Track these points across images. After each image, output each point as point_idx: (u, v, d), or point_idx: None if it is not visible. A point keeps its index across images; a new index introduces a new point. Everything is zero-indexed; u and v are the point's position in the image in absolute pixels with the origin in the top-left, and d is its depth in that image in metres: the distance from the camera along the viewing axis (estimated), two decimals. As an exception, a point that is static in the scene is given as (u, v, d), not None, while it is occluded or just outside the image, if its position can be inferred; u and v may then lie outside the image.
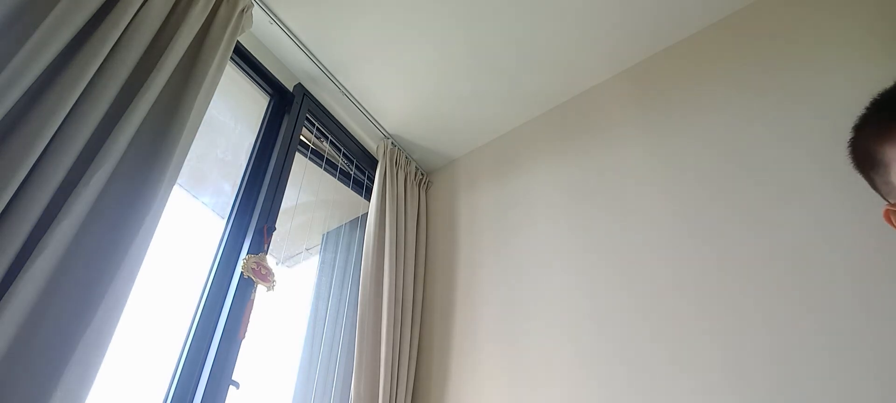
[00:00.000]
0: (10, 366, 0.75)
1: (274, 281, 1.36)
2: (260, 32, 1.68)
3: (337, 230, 2.15)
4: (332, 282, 1.94)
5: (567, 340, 1.40)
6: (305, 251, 2.03)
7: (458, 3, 1.59)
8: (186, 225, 1.54)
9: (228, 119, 1.76)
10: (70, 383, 0.79)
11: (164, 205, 1.03)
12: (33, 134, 0.84)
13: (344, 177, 2.04)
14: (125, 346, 1.08)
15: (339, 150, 1.99)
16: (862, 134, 0.71)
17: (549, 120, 1.94)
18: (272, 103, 1.71)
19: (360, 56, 1.77)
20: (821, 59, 1.32)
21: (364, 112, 1.96)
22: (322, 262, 2.02)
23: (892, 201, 0.66)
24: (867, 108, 0.70)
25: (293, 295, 1.83)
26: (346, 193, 2.07)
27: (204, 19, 1.29)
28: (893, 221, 0.68)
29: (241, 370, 1.24)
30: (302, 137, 1.83)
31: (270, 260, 1.39)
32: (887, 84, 0.70)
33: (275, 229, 1.46)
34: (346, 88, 1.88)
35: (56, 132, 0.89)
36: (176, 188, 1.09)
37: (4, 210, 0.80)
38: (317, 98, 1.87)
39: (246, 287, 1.30)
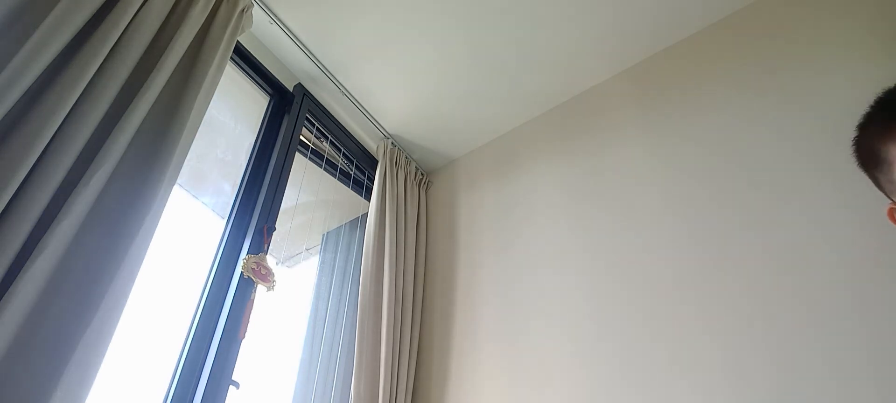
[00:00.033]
0: (10, 366, 0.75)
1: (274, 281, 1.36)
2: (260, 32, 1.68)
3: (337, 230, 2.15)
4: (332, 282, 1.94)
5: (567, 340, 1.40)
6: (305, 251, 2.03)
7: (458, 4, 1.59)
8: (186, 225, 1.54)
9: (228, 119, 1.76)
10: (70, 383, 0.79)
11: (164, 205, 1.03)
12: (33, 134, 0.84)
13: (344, 177, 2.04)
14: (125, 346, 1.08)
15: (339, 150, 1.99)
16: (866, 132, 0.71)
17: (549, 120, 1.94)
18: (272, 103, 1.71)
19: (360, 56, 1.77)
20: (821, 59, 1.32)
21: (364, 112, 1.96)
22: (322, 262, 2.02)
23: None
24: (871, 107, 0.70)
25: (293, 295, 1.83)
26: (346, 193, 2.07)
27: (204, 19, 1.29)
28: None
29: (241, 370, 1.24)
30: (302, 137, 1.83)
31: (270, 260, 1.39)
32: (888, 84, 0.70)
33: (275, 229, 1.46)
34: (346, 88, 1.88)
35: (56, 132, 0.89)
36: (176, 188, 1.09)
37: (4, 210, 0.80)
38: (317, 98, 1.87)
39: (246, 287, 1.30)
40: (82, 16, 0.98)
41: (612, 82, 1.81)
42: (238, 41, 1.56)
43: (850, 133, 1.15)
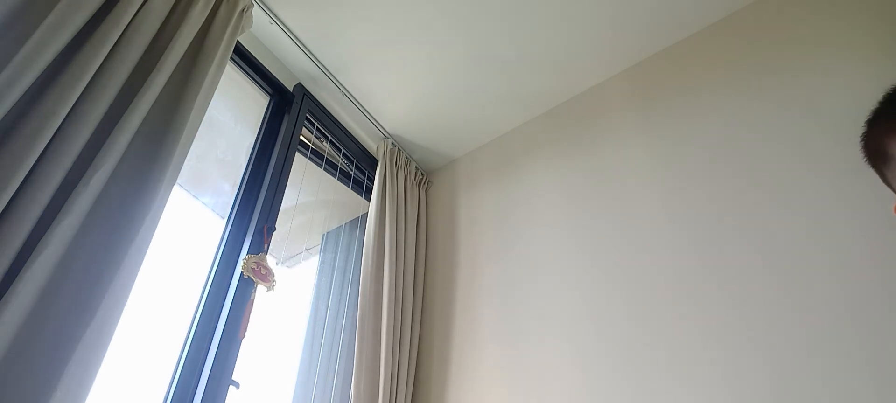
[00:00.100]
0: (10, 366, 0.75)
1: (274, 281, 1.36)
2: (260, 32, 1.68)
3: (337, 230, 2.15)
4: (332, 282, 1.94)
5: (567, 341, 1.40)
6: (305, 251, 2.03)
7: (458, 4, 1.59)
8: (186, 225, 1.54)
9: (228, 119, 1.76)
10: (70, 383, 0.79)
11: (164, 205, 1.03)
12: (33, 134, 0.84)
13: (344, 177, 2.04)
14: (125, 346, 1.08)
15: (339, 150, 1.99)
16: (874, 129, 0.70)
17: (549, 120, 1.94)
18: (272, 103, 1.71)
19: (360, 56, 1.77)
20: (821, 60, 1.32)
21: (364, 112, 1.96)
22: (322, 262, 2.02)
23: None
24: (880, 103, 0.70)
25: (293, 295, 1.83)
26: (346, 193, 2.07)
27: (204, 19, 1.29)
28: None
29: (241, 370, 1.24)
30: (302, 137, 1.83)
31: (270, 260, 1.39)
32: (887, 85, 0.70)
33: (275, 229, 1.46)
34: (346, 88, 1.88)
35: (56, 132, 0.89)
36: (176, 188, 1.09)
37: (4, 210, 0.80)
38: (317, 98, 1.87)
39: (246, 287, 1.30)
40: (82, 16, 0.98)
41: (611, 82, 1.81)
42: (238, 41, 1.56)
43: (850, 134, 1.16)
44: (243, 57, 1.62)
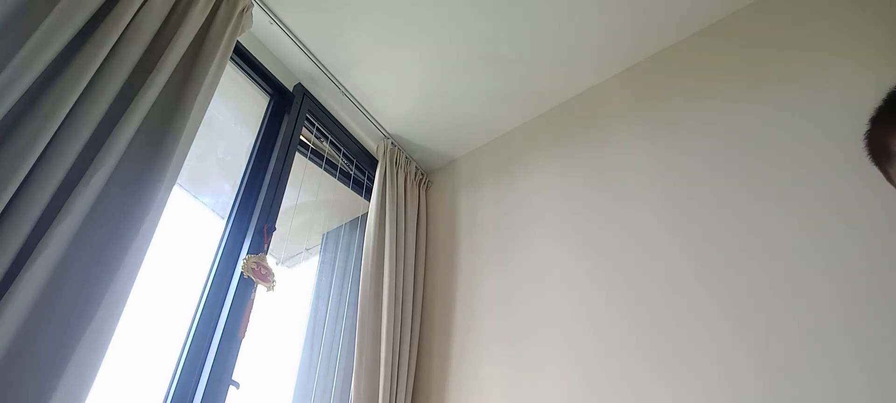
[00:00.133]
0: (10, 366, 0.75)
1: (274, 281, 1.36)
2: (260, 32, 1.68)
3: (337, 230, 2.15)
4: (332, 282, 1.94)
5: (566, 340, 1.40)
6: (305, 251, 2.03)
7: (458, 4, 1.59)
8: (186, 225, 1.54)
9: (228, 119, 1.76)
10: (70, 383, 0.79)
11: (164, 205, 1.03)
12: (33, 134, 0.84)
13: (344, 177, 2.04)
14: (125, 346, 1.08)
15: (339, 150, 1.99)
16: (877, 127, 0.71)
17: (549, 120, 1.94)
18: (272, 103, 1.71)
19: (360, 56, 1.77)
20: (820, 61, 1.32)
21: (364, 112, 1.96)
22: (322, 262, 2.02)
23: None
24: (884, 101, 0.70)
25: (293, 295, 1.83)
26: (346, 193, 2.07)
27: (204, 19, 1.29)
28: None
29: (241, 370, 1.24)
30: (302, 137, 1.83)
31: (270, 260, 1.39)
32: (885, 87, 0.70)
33: (275, 229, 1.46)
34: (346, 88, 1.88)
35: (56, 132, 0.89)
36: (176, 188, 1.09)
37: (4, 210, 0.80)
38: (317, 98, 1.87)
39: (246, 287, 1.30)
40: (82, 15, 0.98)
41: (611, 83, 1.81)
42: (238, 41, 1.56)
43: (848, 136, 1.16)
44: (243, 57, 1.61)
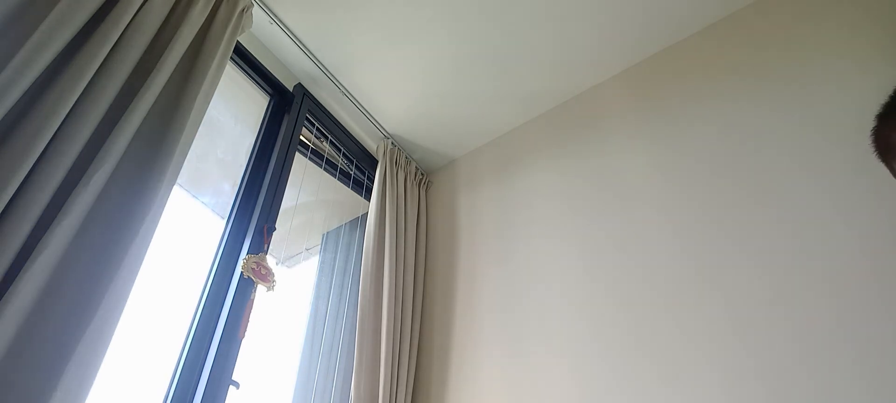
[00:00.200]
0: (10, 366, 0.75)
1: (274, 281, 1.36)
2: (260, 32, 1.68)
3: (337, 230, 2.15)
4: (332, 282, 1.94)
5: (566, 340, 1.40)
6: (305, 251, 2.03)
7: (458, 4, 1.59)
8: (186, 225, 1.54)
9: (228, 119, 1.76)
10: (70, 383, 0.79)
11: (164, 205, 1.03)
12: (33, 134, 0.84)
13: (344, 177, 2.04)
14: (125, 346, 1.08)
15: (339, 150, 1.99)
16: (883, 123, 0.71)
17: (549, 120, 1.94)
18: (272, 103, 1.71)
19: (360, 56, 1.77)
20: (820, 62, 1.32)
21: (364, 112, 1.96)
22: (322, 262, 2.02)
23: None
24: (890, 97, 0.70)
25: (293, 295, 1.83)
26: (346, 193, 2.07)
27: (204, 19, 1.29)
28: None
29: (241, 370, 1.24)
30: (302, 137, 1.83)
31: (270, 260, 1.39)
32: (884, 88, 0.70)
33: (275, 229, 1.46)
34: (346, 88, 1.88)
35: (56, 132, 0.89)
36: (176, 188, 1.09)
37: (4, 210, 0.80)
38: (317, 98, 1.87)
39: (246, 287, 1.30)
40: (82, 15, 0.98)
41: (611, 82, 1.81)
42: (238, 41, 1.56)
43: (847, 136, 1.16)
44: (243, 57, 1.61)
